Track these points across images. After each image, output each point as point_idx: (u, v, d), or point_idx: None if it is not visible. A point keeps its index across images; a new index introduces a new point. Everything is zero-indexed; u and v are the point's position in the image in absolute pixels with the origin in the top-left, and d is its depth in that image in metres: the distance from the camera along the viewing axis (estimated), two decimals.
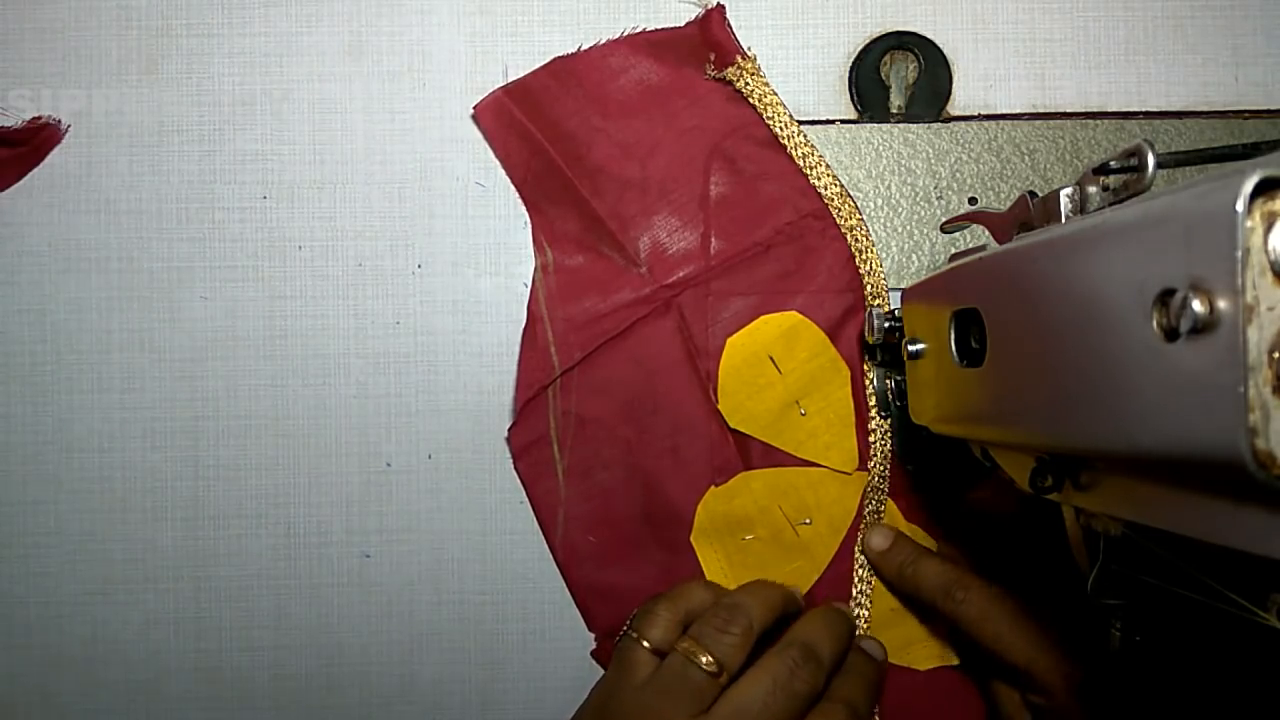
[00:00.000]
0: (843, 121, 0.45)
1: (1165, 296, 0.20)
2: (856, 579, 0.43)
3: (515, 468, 0.44)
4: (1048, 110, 0.44)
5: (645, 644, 0.38)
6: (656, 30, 0.44)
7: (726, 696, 0.35)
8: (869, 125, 0.44)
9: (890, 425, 0.43)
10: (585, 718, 0.39)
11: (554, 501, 0.44)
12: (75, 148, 0.44)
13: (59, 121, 0.44)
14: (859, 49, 0.45)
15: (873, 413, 0.43)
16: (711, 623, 0.37)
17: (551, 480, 0.44)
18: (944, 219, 0.44)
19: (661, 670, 0.36)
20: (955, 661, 0.42)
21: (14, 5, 0.45)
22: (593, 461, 0.44)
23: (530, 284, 0.44)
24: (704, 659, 0.36)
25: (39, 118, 0.44)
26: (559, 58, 0.44)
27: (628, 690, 0.36)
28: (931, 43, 0.44)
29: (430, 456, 0.45)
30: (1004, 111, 0.44)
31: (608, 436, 0.44)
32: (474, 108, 0.44)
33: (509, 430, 0.44)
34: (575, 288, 0.44)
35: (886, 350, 0.43)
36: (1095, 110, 0.44)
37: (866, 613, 0.43)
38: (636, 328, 0.44)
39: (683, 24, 0.44)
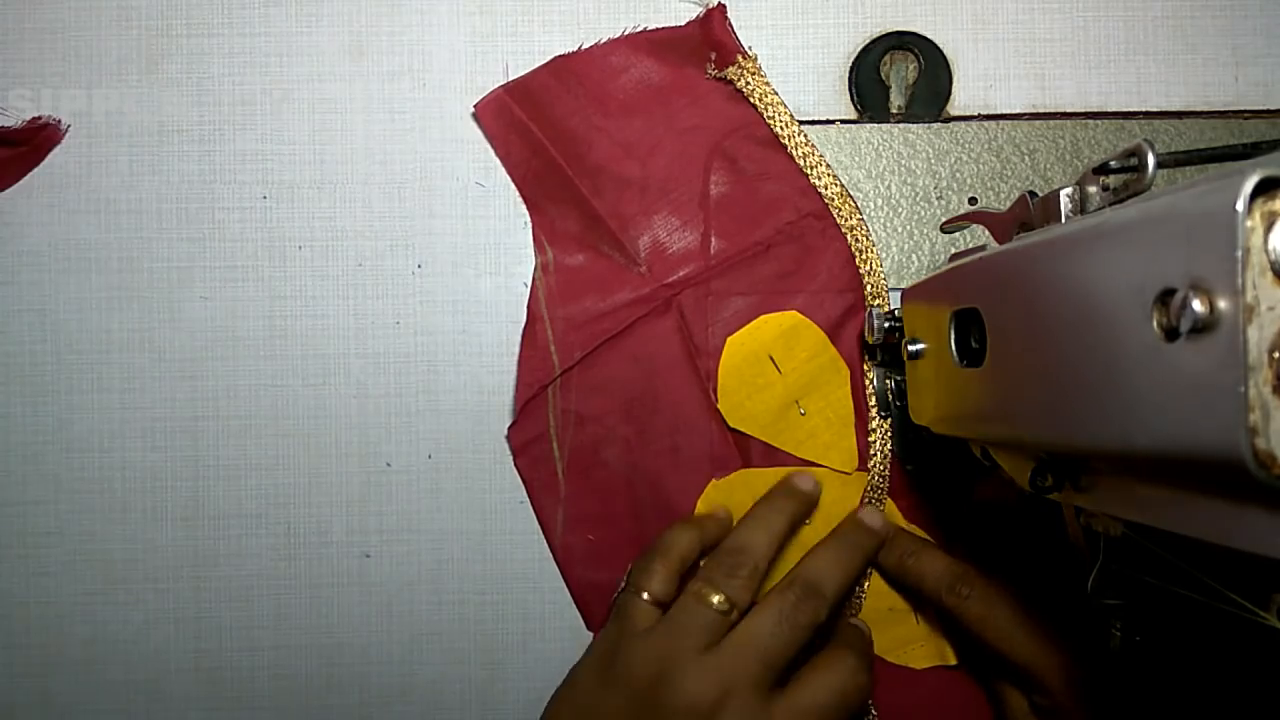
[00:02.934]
0: (843, 121, 0.45)
1: (1165, 296, 0.20)
2: None
3: (515, 466, 0.44)
4: (1048, 110, 0.44)
5: (645, 596, 0.39)
6: (657, 29, 0.44)
7: (734, 631, 0.37)
8: (869, 125, 0.44)
9: (890, 425, 0.43)
10: (588, 670, 0.39)
11: (553, 500, 0.44)
12: (75, 148, 0.44)
13: (59, 121, 0.44)
14: (859, 49, 0.45)
15: (873, 413, 0.43)
16: (719, 566, 0.38)
17: (551, 479, 0.44)
18: (944, 219, 0.44)
19: (673, 612, 0.38)
20: (953, 661, 0.42)
21: (14, 5, 0.45)
22: (592, 460, 0.44)
23: (530, 283, 0.44)
24: (715, 599, 0.37)
25: (39, 118, 0.44)
26: (559, 56, 0.44)
27: (634, 638, 0.37)
28: (931, 43, 0.44)
29: (430, 456, 0.45)
30: (1004, 111, 0.44)
31: (607, 435, 0.44)
32: (474, 106, 0.44)
33: (509, 429, 0.44)
34: (575, 287, 0.44)
35: (886, 350, 0.43)
36: (1095, 110, 0.44)
37: (862, 594, 0.43)
38: (636, 327, 0.44)
39: (683, 23, 0.44)
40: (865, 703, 0.40)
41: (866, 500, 0.43)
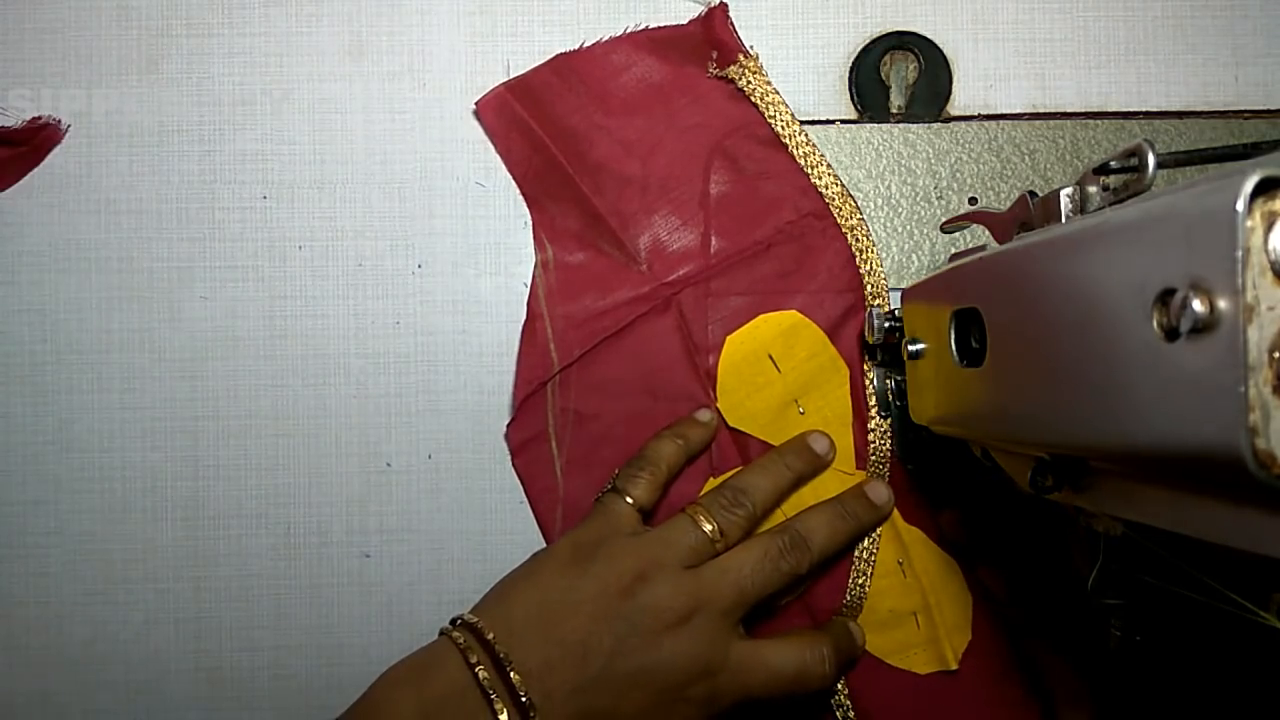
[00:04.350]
0: (843, 121, 0.45)
1: (1165, 296, 0.20)
2: (854, 579, 0.43)
3: (513, 464, 0.44)
4: (1048, 110, 0.44)
5: (629, 500, 0.40)
6: (659, 28, 0.44)
7: (718, 558, 0.39)
8: (869, 125, 0.44)
9: (890, 425, 0.43)
10: (561, 554, 0.39)
11: (552, 499, 0.44)
12: (75, 148, 0.44)
13: (59, 121, 0.44)
14: (859, 49, 0.45)
15: (873, 412, 0.43)
16: (720, 499, 0.40)
17: (550, 477, 0.44)
18: (944, 219, 0.44)
19: (664, 526, 0.39)
20: (954, 667, 0.42)
21: (14, 5, 0.45)
22: (591, 459, 0.44)
23: (530, 282, 0.44)
24: (708, 526, 0.39)
25: (39, 118, 0.44)
26: (561, 54, 0.44)
27: (620, 538, 0.38)
28: (931, 43, 0.44)
29: (430, 456, 0.45)
30: (1004, 111, 0.44)
31: (606, 434, 0.44)
32: (476, 104, 0.44)
33: (507, 427, 0.44)
34: (575, 285, 0.44)
35: (886, 350, 0.43)
36: (1095, 110, 0.44)
37: (863, 584, 0.43)
38: (636, 325, 0.44)
39: (685, 22, 0.44)
40: (823, 691, 0.40)
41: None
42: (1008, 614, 0.42)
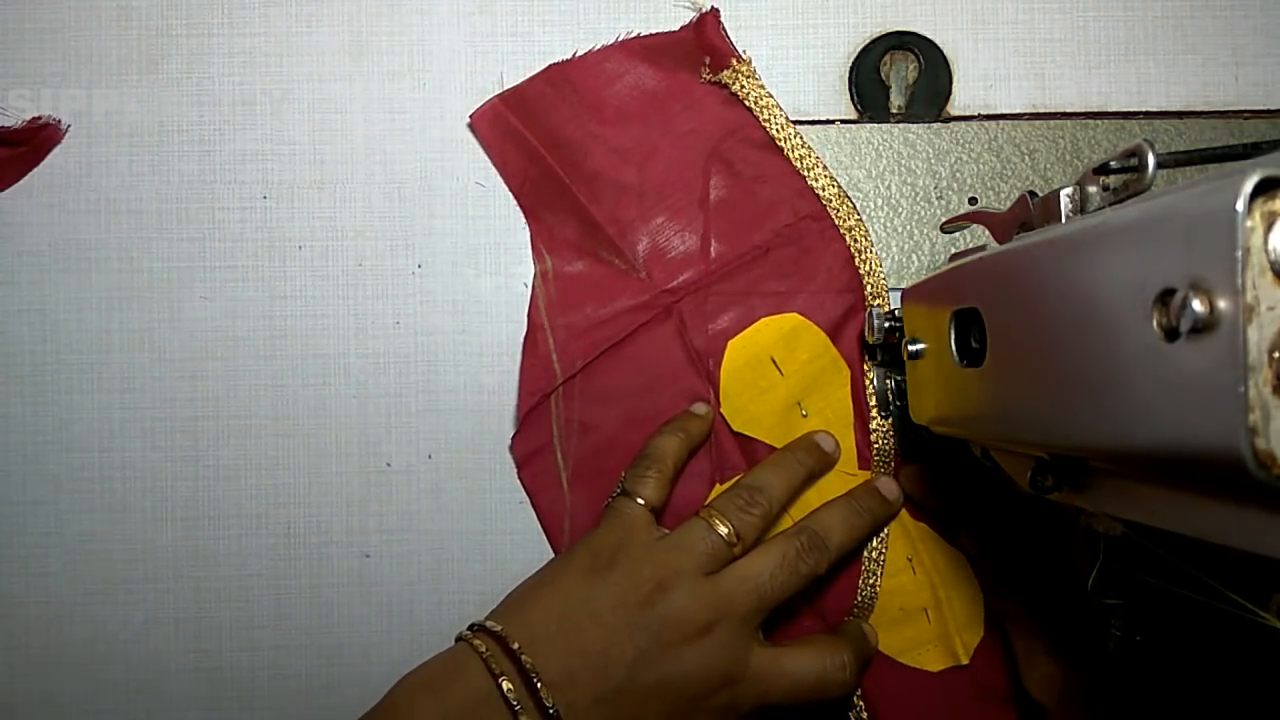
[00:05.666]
0: (843, 121, 0.45)
1: (1165, 296, 0.20)
2: (864, 579, 0.43)
3: (519, 477, 0.44)
4: (1048, 110, 0.44)
5: (640, 501, 0.39)
6: (651, 35, 0.44)
7: (736, 564, 0.38)
8: (869, 125, 0.44)
9: (891, 425, 0.43)
10: (580, 561, 0.38)
11: (559, 511, 0.44)
12: (75, 148, 0.44)
13: (59, 121, 0.44)
14: (859, 49, 0.45)
15: (873, 413, 0.43)
16: (736, 500, 0.40)
17: (556, 489, 0.44)
18: (944, 219, 0.44)
19: (681, 531, 0.39)
20: (965, 661, 0.42)
21: (14, 5, 0.45)
22: (597, 469, 0.43)
23: (530, 287, 0.44)
24: (724, 529, 0.38)
25: (39, 118, 0.44)
26: (554, 64, 0.44)
27: (638, 545, 0.38)
28: (931, 43, 0.44)
29: (430, 456, 0.45)
30: (1004, 111, 0.44)
31: (611, 443, 0.43)
32: (470, 116, 0.44)
33: (512, 440, 0.44)
34: (575, 295, 0.44)
35: (886, 350, 0.43)
36: (1095, 110, 0.44)
37: (873, 584, 0.43)
38: (638, 334, 0.44)
39: (677, 28, 0.44)
40: (843, 698, 0.40)
41: None
42: (981, 578, 0.42)
